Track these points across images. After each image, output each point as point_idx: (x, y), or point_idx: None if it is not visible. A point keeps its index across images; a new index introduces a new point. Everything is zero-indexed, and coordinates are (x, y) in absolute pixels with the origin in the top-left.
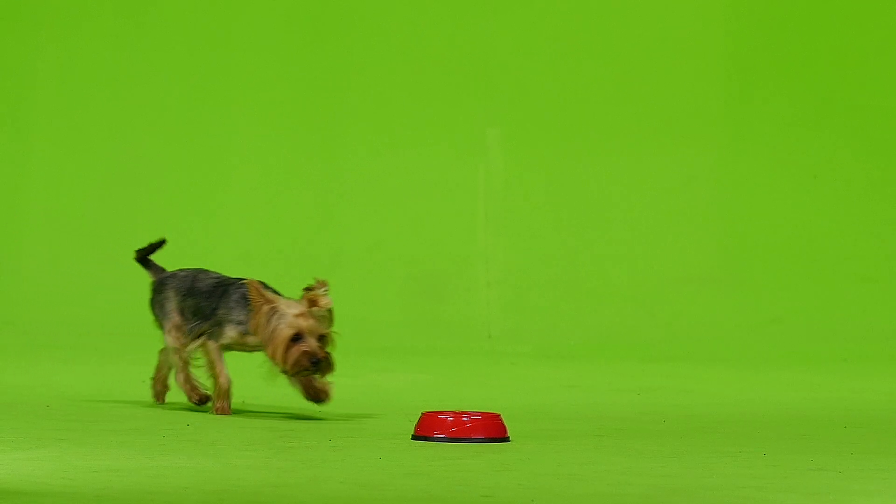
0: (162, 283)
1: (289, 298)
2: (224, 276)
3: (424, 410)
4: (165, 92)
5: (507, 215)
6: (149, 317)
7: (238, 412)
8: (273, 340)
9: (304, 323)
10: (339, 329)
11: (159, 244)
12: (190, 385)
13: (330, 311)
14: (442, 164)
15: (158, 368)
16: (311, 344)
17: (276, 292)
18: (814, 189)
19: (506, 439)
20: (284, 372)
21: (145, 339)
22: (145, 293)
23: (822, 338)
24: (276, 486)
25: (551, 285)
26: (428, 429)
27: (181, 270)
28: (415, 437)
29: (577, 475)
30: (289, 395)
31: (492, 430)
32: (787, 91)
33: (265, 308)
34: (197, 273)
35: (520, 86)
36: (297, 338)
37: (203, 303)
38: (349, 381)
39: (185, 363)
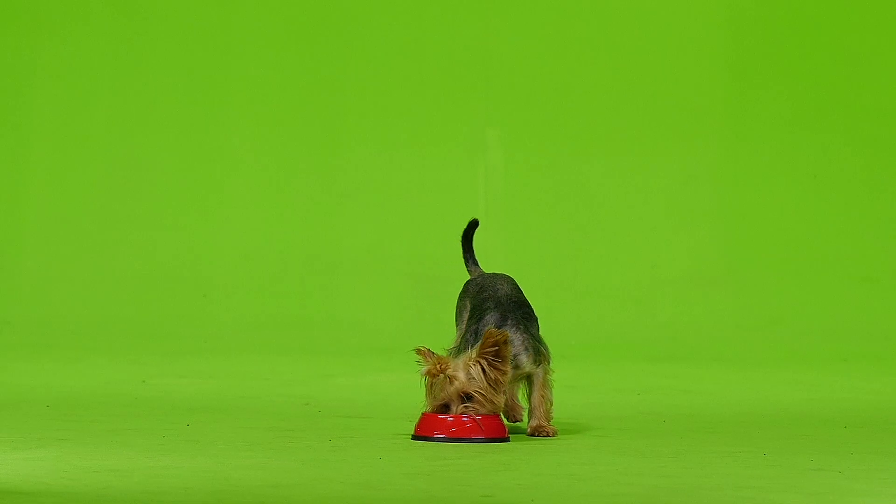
0: (465, 288)
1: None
2: (499, 290)
3: (424, 410)
4: (165, 92)
5: (507, 215)
6: (147, 316)
7: (238, 412)
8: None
9: (440, 394)
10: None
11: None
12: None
13: (487, 368)
14: (442, 164)
15: None
16: (453, 412)
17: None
18: (814, 189)
19: (506, 439)
20: None
21: (145, 339)
22: (145, 293)
23: (822, 338)
24: (276, 486)
25: (551, 285)
26: (428, 429)
27: (480, 276)
28: (415, 437)
29: (577, 475)
30: (284, 395)
31: (492, 431)
32: (787, 91)
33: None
34: (485, 280)
35: (520, 86)
36: (444, 408)
37: (469, 315)
38: (349, 380)
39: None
